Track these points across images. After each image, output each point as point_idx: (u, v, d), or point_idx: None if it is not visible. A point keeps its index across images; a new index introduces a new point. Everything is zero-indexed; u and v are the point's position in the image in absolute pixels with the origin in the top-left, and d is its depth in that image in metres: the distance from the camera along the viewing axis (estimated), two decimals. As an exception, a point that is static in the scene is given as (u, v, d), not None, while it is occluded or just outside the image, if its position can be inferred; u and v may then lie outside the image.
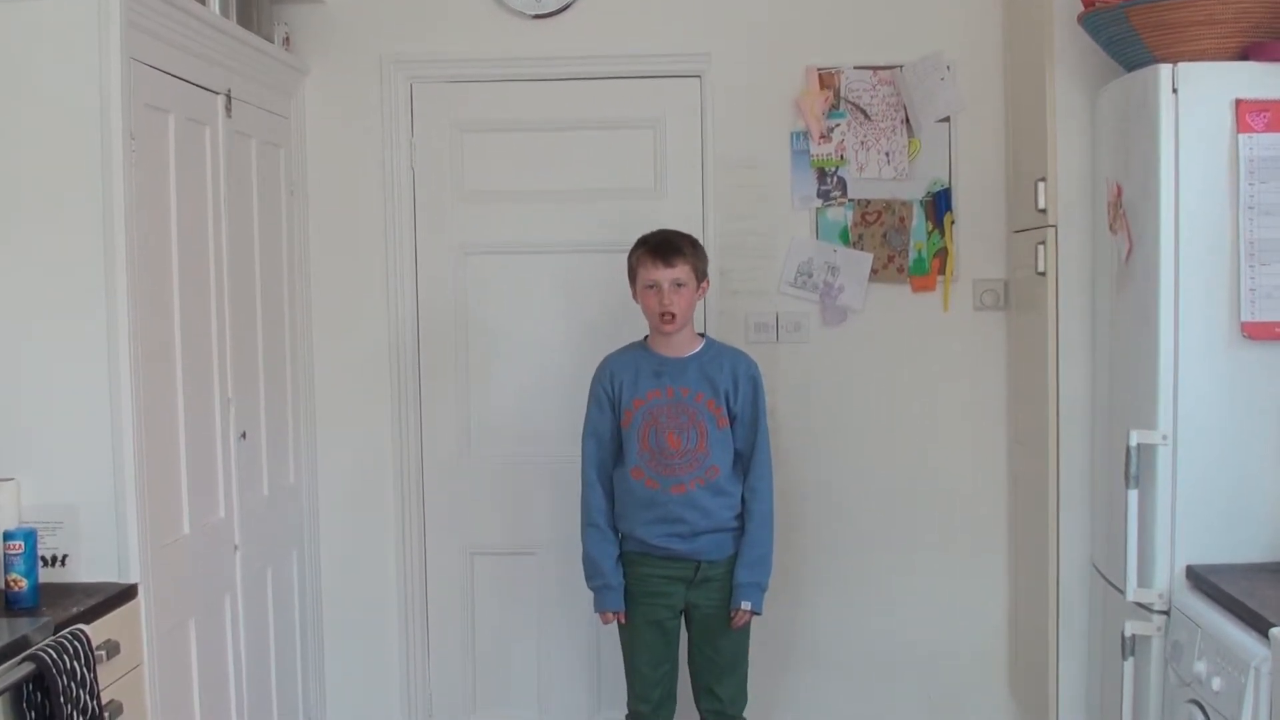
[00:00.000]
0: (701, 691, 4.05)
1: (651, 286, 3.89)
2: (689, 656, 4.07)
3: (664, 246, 3.91)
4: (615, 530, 4.00)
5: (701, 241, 4.12)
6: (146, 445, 3.32)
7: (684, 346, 3.97)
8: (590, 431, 4.01)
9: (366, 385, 4.70)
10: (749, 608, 3.92)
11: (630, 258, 3.98)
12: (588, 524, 4.01)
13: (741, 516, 3.96)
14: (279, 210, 4.42)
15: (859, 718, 4.72)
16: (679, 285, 3.88)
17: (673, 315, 3.87)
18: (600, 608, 4.02)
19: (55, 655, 2.77)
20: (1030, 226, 4.23)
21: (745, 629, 4.01)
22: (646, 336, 4.04)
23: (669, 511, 3.89)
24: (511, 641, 4.77)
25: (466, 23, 4.61)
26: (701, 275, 3.97)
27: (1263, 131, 3.35)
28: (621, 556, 4.00)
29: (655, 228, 4.03)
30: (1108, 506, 3.82)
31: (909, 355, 4.64)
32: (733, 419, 3.94)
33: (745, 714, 4.08)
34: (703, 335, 4.06)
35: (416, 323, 4.70)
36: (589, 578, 4.02)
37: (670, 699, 4.08)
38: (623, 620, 4.01)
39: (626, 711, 4.11)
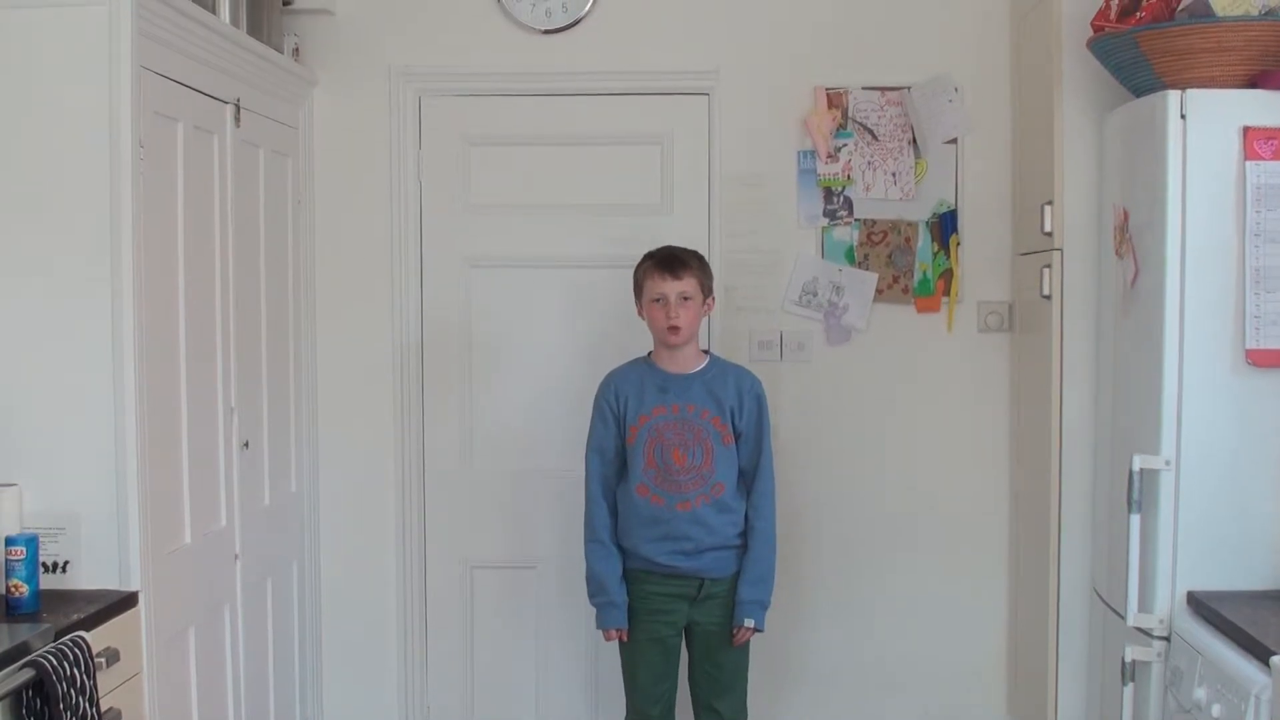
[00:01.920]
0: (702, 708, 4.05)
1: (658, 300, 3.89)
2: (690, 673, 4.07)
3: (670, 260, 3.91)
4: (619, 546, 3.99)
5: (707, 258, 4.11)
6: (149, 453, 3.32)
7: (689, 363, 3.97)
8: (594, 447, 4.01)
9: (369, 396, 4.70)
10: (751, 625, 3.92)
11: (636, 273, 3.98)
12: (592, 540, 4.00)
13: (744, 533, 3.95)
14: (285, 220, 4.43)
15: (857, 738, 4.73)
16: (685, 299, 3.88)
17: (678, 328, 3.87)
18: (604, 625, 4.00)
19: (55, 662, 2.77)
20: (1036, 249, 4.23)
21: (746, 645, 4.01)
22: (651, 352, 4.04)
23: (674, 529, 3.89)
24: (510, 655, 4.76)
25: (476, 37, 4.62)
26: (708, 291, 3.97)
27: (1270, 159, 3.36)
28: (625, 573, 3.99)
29: (661, 244, 4.03)
30: (1109, 530, 3.82)
31: (912, 376, 4.63)
32: (737, 436, 3.94)
33: (744, 730, 4.09)
34: (707, 352, 4.06)
35: (421, 335, 4.70)
36: (592, 595, 4.01)
37: (669, 715, 4.08)
38: (624, 638, 4.01)
39: (624, 727, 4.12)
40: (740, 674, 4.04)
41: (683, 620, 3.97)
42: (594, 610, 4.03)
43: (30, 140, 3.23)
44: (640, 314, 3.99)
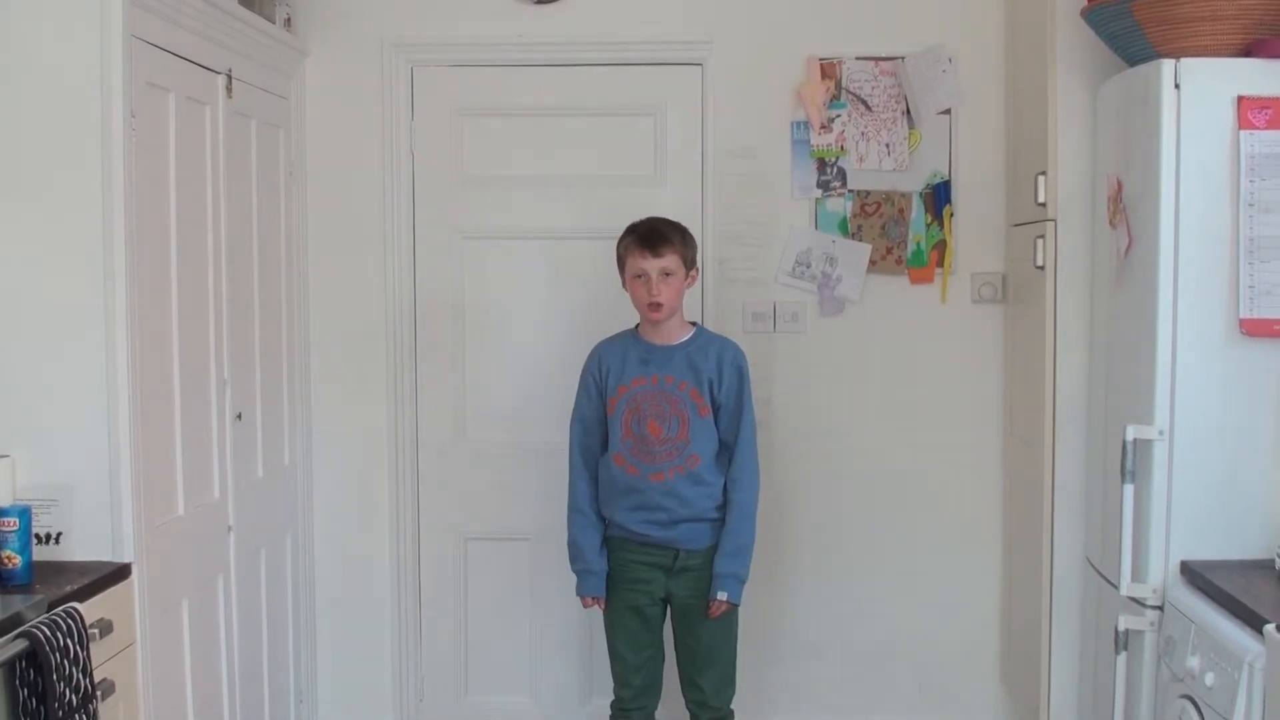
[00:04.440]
0: (686, 683, 4.05)
1: (639, 276, 3.88)
2: (674, 648, 4.07)
3: (652, 236, 3.89)
4: (600, 515, 4.00)
5: (700, 230, 4.10)
6: (142, 425, 3.32)
7: (673, 335, 3.96)
8: (577, 417, 4.02)
9: (363, 369, 4.70)
10: (725, 598, 3.90)
11: (619, 246, 3.97)
12: (572, 509, 4.01)
13: (723, 507, 3.94)
14: (278, 192, 4.42)
15: (850, 710, 4.73)
16: (667, 275, 3.87)
17: (660, 305, 3.87)
18: (581, 592, 4.02)
19: (49, 633, 2.77)
20: (1029, 220, 4.22)
21: (727, 620, 3.99)
22: (638, 324, 4.03)
23: (648, 499, 3.89)
24: (504, 626, 4.77)
25: (468, 7, 4.60)
26: (690, 264, 3.95)
27: (1264, 128, 3.35)
28: (605, 542, 4.00)
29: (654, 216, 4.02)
30: (1103, 501, 3.82)
31: (906, 347, 4.64)
32: (716, 408, 3.93)
33: (733, 706, 4.07)
34: (694, 324, 4.05)
35: (414, 306, 4.69)
36: (572, 561, 4.02)
37: (654, 686, 4.08)
38: (601, 606, 4.02)
39: (612, 698, 4.12)
40: (721, 649, 4.01)
41: (660, 591, 3.97)
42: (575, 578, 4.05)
43: (21, 110, 3.21)
44: (624, 286, 3.98)
